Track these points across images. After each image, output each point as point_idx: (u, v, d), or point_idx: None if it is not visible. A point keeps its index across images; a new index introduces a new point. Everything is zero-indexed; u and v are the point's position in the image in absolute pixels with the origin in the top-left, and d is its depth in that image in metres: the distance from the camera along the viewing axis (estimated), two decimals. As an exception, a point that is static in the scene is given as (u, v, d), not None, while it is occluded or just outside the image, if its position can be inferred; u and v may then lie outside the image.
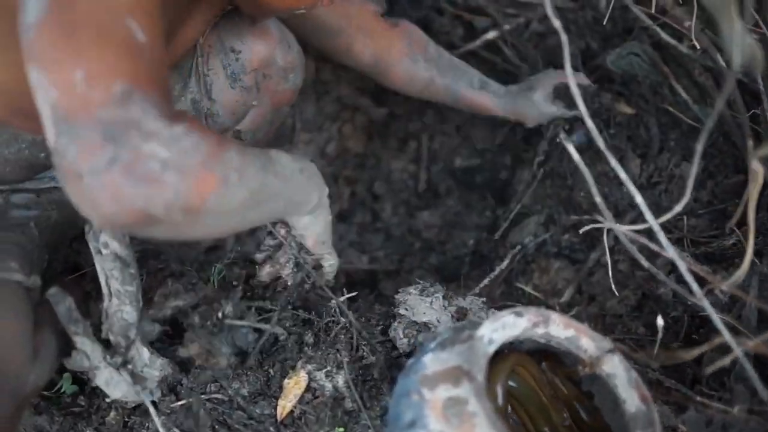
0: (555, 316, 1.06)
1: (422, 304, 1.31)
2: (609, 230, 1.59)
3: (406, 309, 1.30)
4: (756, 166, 0.90)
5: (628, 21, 1.86)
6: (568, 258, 1.62)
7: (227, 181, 0.86)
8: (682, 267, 1.00)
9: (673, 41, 1.67)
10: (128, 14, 0.83)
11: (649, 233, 1.47)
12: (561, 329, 1.06)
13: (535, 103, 1.66)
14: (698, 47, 1.49)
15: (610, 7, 1.91)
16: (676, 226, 1.52)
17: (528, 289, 1.60)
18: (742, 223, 1.47)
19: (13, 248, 1.18)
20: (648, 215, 1.02)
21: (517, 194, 1.74)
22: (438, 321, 1.27)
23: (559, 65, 1.87)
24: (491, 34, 1.88)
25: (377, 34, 1.57)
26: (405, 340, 1.25)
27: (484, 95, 1.66)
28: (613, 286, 1.26)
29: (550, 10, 0.99)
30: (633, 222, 1.56)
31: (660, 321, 1.18)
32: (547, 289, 1.61)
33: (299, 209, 1.18)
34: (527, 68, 1.87)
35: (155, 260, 1.47)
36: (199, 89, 1.32)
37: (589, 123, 0.99)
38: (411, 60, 1.60)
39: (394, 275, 1.81)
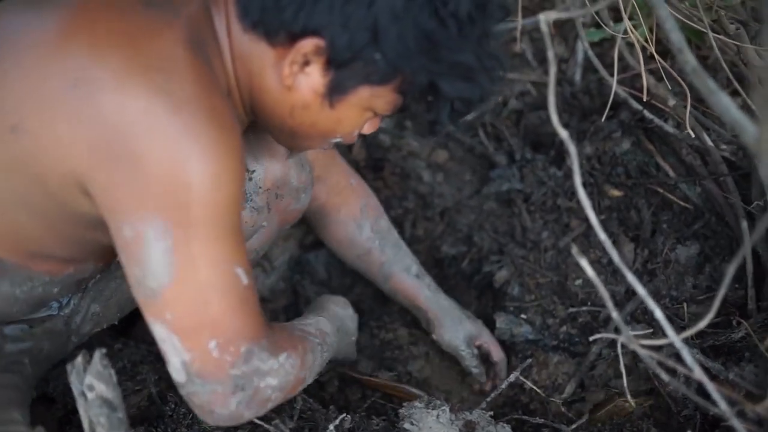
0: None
1: (428, 418, 1.23)
2: (608, 320, 1.54)
3: (412, 423, 1.23)
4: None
5: (606, 96, 1.84)
6: (567, 351, 1.55)
7: (306, 375, 1.15)
8: (711, 388, 0.94)
9: (658, 120, 1.64)
10: (236, 264, 0.97)
11: (659, 331, 1.44)
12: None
13: (454, 333, 1.58)
14: (690, 132, 1.46)
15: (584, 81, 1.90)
16: (677, 314, 1.47)
17: (529, 383, 1.53)
18: (743, 311, 1.43)
19: (12, 394, 1.12)
20: (669, 332, 0.96)
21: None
22: None
23: (540, 145, 1.83)
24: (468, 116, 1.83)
25: (335, 188, 1.55)
26: None
27: (417, 285, 1.60)
28: (627, 390, 1.20)
29: (555, 119, 0.94)
30: (633, 314, 1.51)
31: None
32: (547, 384, 1.54)
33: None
34: (505, 152, 1.83)
35: (132, 381, 1.37)
36: None
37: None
38: (357, 225, 1.57)
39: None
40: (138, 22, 0.97)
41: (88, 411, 0.99)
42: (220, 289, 0.96)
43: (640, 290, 0.98)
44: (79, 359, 0.99)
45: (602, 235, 0.97)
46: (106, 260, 1.20)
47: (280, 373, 1.03)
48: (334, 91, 1.03)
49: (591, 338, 1.46)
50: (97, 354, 0.99)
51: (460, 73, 1.01)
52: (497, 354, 1.58)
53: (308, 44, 0.98)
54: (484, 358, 1.59)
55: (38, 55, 0.96)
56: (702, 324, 0.95)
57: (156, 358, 1.53)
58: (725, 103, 0.84)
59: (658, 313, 0.98)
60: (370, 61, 0.99)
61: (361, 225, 1.57)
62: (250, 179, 1.27)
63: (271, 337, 1.04)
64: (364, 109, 1.07)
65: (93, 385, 0.99)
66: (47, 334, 1.23)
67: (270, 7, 0.98)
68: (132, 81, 0.92)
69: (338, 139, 1.14)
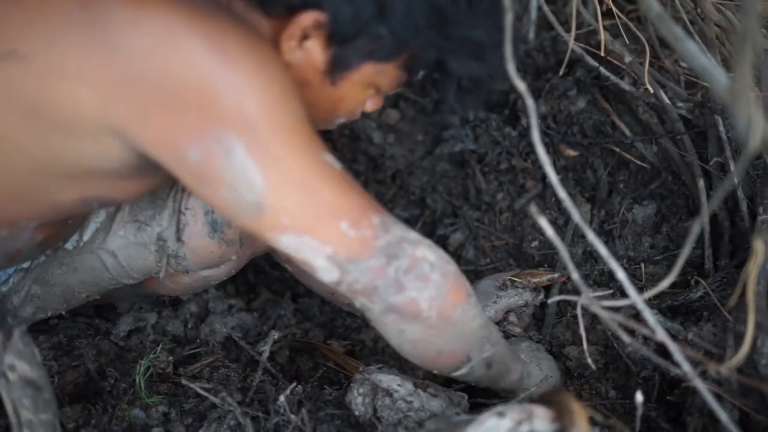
0: (539, 411, 0.95)
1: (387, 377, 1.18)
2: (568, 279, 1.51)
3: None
4: (758, 245, 0.82)
5: (560, 54, 1.79)
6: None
7: (470, 299, 1.03)
8: (674, 350, 0.92)
9: (614, 78, 1.60)
10: (321, 152, 0.91)
11: (617, 291, 1.41)
12: (546, 424, 0.95)
13: None
14: (648, 87, 1.42)
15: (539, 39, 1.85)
16: (635, 275, 1.44)
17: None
18: (701, 270, 1.41)
19: None
20: (632, 293, 0.93)
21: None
22: (399, 386, 1.15)
23: (494, 105, 1.78)
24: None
25: None
26: (363, 407, 1.13)
27: None
28: (587, 352, 1.16)
29: (513, 71, 0.88)
30: (588, 276, 1.48)
31: (639, 397, 1.09)
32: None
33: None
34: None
35: (68, 357, 1.30)
36: (170, 226, 1.17)
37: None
38: None
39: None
40: None
41: (11, 393, 0.92)
42: (321, 176, 0.90)
43: (602, 250, 0.94)
44: (-1, 337, 0.92)
45: (562, 194, 0.93)
46: (45, 234, 1.11)
47: (435, 251, 0.98)
48: (336, 69, 0.97)
49: (550, 300, 1.43)
50: (17, 331, 0.91)
51: (470, 50, 0.95)
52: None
53: (308, 18, 0.91)
54: None
55: None
56: (663, 284, 0.92)
57: (95, 332, 1.46)
58: (692, 50, 0.79)
59: (620, 274, 0.94)
60: (375, 36, 0.93)
61: None
62: None
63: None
64: (368, 86, 1.02)
65: (14, 365, 0.92)
66: None
67: None
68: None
69: (341, 119, 1.08)
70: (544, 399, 1.02)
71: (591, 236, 0.94)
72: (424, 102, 1.81)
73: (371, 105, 1.08)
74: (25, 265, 1.23)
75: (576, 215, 0.93)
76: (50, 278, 1.22)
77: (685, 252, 0.84)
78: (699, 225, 0.79)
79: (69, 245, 1.21)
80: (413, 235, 0.97)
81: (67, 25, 0.85)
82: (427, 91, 1.01)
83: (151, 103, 0.85)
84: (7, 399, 0.93)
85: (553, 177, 0.89)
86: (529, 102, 0.88)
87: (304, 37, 0.94)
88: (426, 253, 0.96)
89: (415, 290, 0.95)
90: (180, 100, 0.85)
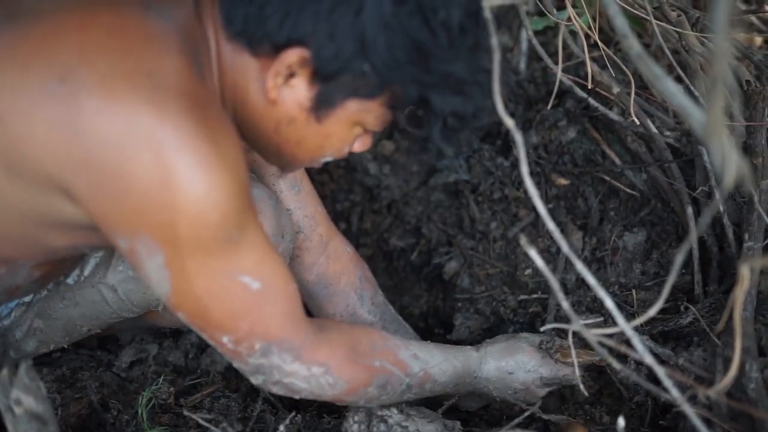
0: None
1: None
2: (557, 308, 1.54)
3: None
4: (744, 271, 0.85)
5: (551, 85, 1.83)
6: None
7: (356, 403, 1.15)
8: (662, 375, 0.94)
9: (603, 108, 1.64)
10: (239, 274, 0.97)
11: (608, 318, 1.44)
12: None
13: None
14: (635, 119, 1.46)
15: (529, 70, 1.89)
16: (626, 301, 1.47)
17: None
18: (690, 296, 1.44)
19: None
20: (620, 320, 0.95)
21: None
22: (393, 413, 1.18)
23: (486, 135, 1.82)
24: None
25: (334, 253, 1.42)
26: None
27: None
28: (579, 380, 1.19)
29: (501, 108, 0.92)
30: (580, 302, 1.51)
31: (621, 423, 1.11)
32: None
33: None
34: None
35: (71, 389, 1.32)
36: None
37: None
38: (358, 296, 1.43)
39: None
40: (133, 27, 0.92)
41: (17, 427, 0.94)
42: (219, 299, 0.97)
43: (591, 280, 0.96)
44: (4, 372, 0.94)
45: (551, 225, 0.95)
46: (43, 271, 1.14)
47: (311, 382, 1.07)
48: (321, 105, 0.98)
49: (542, 329, 1.45)
50: (23, 366, 0.94)
51: (452, 85, 0.95)
52: None
53: (293, 55, 0.93)
54: None
55: (27, 47, 0.90)
56: (652, 312, 0.94)
57: (97, 364, 1.48)
58: (671, 89, 0.83)
59: (609, 303, 0.97)
60: (358, 72, 0.94)
61: (362, 296, 1.44)
62: None
63: (306, 344, 1.05)
64: (353, 124, 1.02)
65: (20, 399, 0.94)
66: None
67: (253, 16, 0.92)
68: (117, 86, 0.86)
69: (328, 158, 1.09)
70: (558, 428, 1.04)
71: (579, 266, 0.96)
72: (413, 139, 1.85)
73: (359, 145, 1.09)
74: (27, 299, 1.26)
75: (565, 247, 0.96)
76: (52, 312, 1.24)
77: (672, 278, 0.87)
78: (686, 251, 0.82)
79: (70, 280, 1.24)
80: (293, 368, 1.04)
81: (42, 94, 0.87)
82: (413, 130, 1.01)
83: (101, 189, 0.88)
84: (14, 432, 0.95)
85: (542, 209, 0.92)
86: (518, 137, 0.91)
87: (290, 74, 0.96)
88: (295, 382, 1.06)
89: (284, 393, 1.08)
90: (125, 198, 0.88)
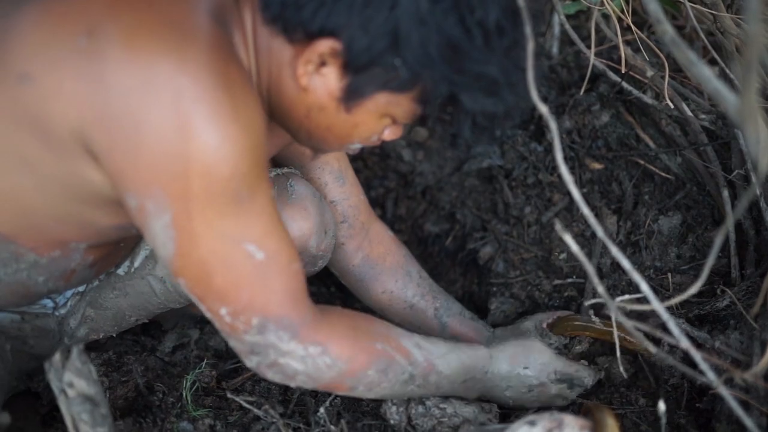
0: (568, 419, 1.00)
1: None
2: (593, 291, 1.55)
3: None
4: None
5: (584, 69, 1.83)
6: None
7: (355, 390, 1.12)
8: (698, 358, 0.95)
9: (637, 92, 1.64)
10: (245, 241, 0.97)
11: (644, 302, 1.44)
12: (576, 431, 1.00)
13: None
14: (669, 103, 1.46)
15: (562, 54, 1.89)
16: (662, 285, 1.48)
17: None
18: (727, 279, 1.44)
19: None
20: (655, 302, 0.96)
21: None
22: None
23: (520, 120, 1.83)
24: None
25: (377, 237, 1.45)
26: (397, 416, 1.20)
27: (475, 328, 1.47)
28: (619, 362, 1.20)
29: (534, 94, 0.93)
30: (616, 286, 1.52)
31: (662, 407, 1.12)
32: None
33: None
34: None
35: (117, 372, 1.36)
36: None
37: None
38: (405, 273, 1.46)
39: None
40: None
41: (70, 408, 0.98)
42: (223, 264, 0.97)
43: (625, 263, 0.97)
44: (57, 356, 0.98)
45: (585, 210, 0.97)
46: (96, 255, 1.18)
47: (307, 363, 1.05)
48: (351, 96, 0.98)
49: (585, 303, 1.46)
50: (75, 350, 0.97)
51: (484, 86, 0.94)
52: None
53: (324, 45, 0.94)
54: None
55: (60, 7, 0.93)
56: (689, 292, 0.95)
57: (141, 349, 1.52)
58: (706, 74, 0.83)
59: (644, 286, 0.98)
60: (389, 67, 0.93)
61: (410, 272, 1.47)
62: None
63: (306, 321, 1.04)
64: (382, 116, 1.02)
65: (72, 382, 0.98)
66: (37, 331, 1.23)
67: (290, 2, 0.93)
68: (140, 36, 0.89)
69: (357, 145, 1.10)
70: (583, 410, 1.06)
71: (614, 251, 0.97)
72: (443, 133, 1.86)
73: (389, 134, 1.09)
74: (81, 289, 1.30)
75: (600, 232, 0.97)
76: (103, 302, 1.29)
77: (711, 261, 0.87)
78: (723, 234, 0.82)
79: (121, 271, 1.28)
80: (289, 346, 1.03)
81: (72, 50, 0.90)
82: (442, 127, 1.01)
83: (118, 142, 0.91)
84: (67, 414, 1.00)
85: (576, 194, 0.93)
86: (552, 123, 0.92)
87: (322, 63, 0.97)
88: (291, 362, 1.04)
89: (279, 380, 1.07)
90: (140, 151, 0.90)
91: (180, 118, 0.88)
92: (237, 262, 0.98)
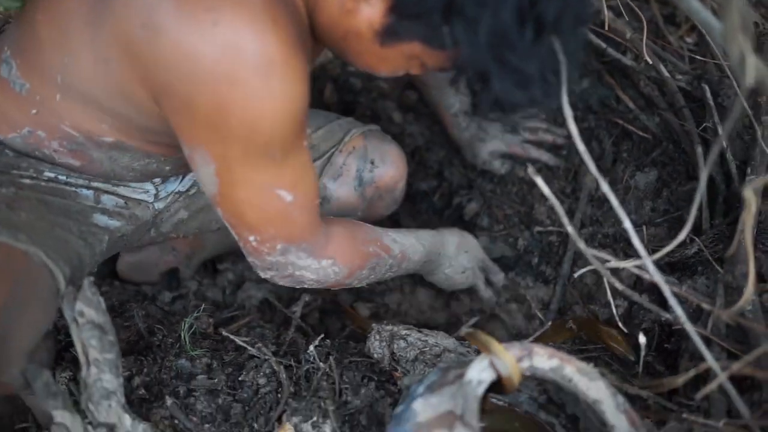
0: (538, 348, 1.07)
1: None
2: (568, 241, 1.62)
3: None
4: (749, 195, 0.91)
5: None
6: (542, 276, 1.64)
7: (351, 284, 1.31)
8: (668, 294, 1.02)
9: (616, 54, 1.70)
10: (277, 187, 1.09)
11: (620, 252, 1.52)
12: (545, 360, 1.07)
13: (479, 153, 1.73)
14: (648, 60, 1.52)
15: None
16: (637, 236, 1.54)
17: (503, 316, 1.63)
18: (697, 229, 1.51)
19: (75, 259, 1.17)
20: (641, 251, 1.04)
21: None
22: (412, 331, 1.30)
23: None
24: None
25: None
26: (380, 350, 1.29)
27: (450, 119, 1.73)
28: (616, 314, 1.29)
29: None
30: (595, 237, 1.59)
31: (642, 339, 1.21)
32: (525, 313, 1.64)
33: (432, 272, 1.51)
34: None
35: (120, 318, 1.44)
36: (323, 172, 1.43)
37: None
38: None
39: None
40: None
41: (80, 334, 1.06)
42: (255, 206, 1.11)
43: (626, 222, 1.04)
44: (70, 288, 1.06)
45: (581, 147, 1.03)
46: (169, 153, 1.26)
47: (319, 273, 1.23)
48: (388, 35, 0.99)
49: (576, 274, 1.48)
50: (86, 282, 1.05)
51: (518, 79, 0.93)
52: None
53: None
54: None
55: None
56: (670, 247, 1.04)
57: (142, 298, 1.60)
58: (694, 6, 0.90)
59: (636, 241, 1.05)
60: (433, 26, 0.93)
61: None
62: (371, 171, 1.45)
63: (320, 243, 1.21)
64: (412, 58, 1.04)
65: (83, 311, 1.05)
66: (134, 219, 1.33)
67: None
68: None
69: (382, 73, 1.13)
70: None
71: (605, 187, 1.00)
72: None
73: (415, 71, 1.11)
74: (182, 188, 1.40)
75: (593, 168, 1.02)
76: (196, 207, 1.42)
77: (691, 218, 0.96)
78: (700, 191, 0.89)
79: None
80: (306, 262, 1.20)
81: (138, 27, 0.96)
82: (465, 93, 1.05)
83: (173, 93, 0.98)
84: (77, 339, 1.07)
85: (574, 130, 0.96)
86: (567, 109, 0.97)
87: None
88: (306, 274, 1.23)
89: (289, 284, 1.26)
90: (190, 106, 0.98)
91: (222, 75, 0.94)
92: (269, 204, 1.11)
